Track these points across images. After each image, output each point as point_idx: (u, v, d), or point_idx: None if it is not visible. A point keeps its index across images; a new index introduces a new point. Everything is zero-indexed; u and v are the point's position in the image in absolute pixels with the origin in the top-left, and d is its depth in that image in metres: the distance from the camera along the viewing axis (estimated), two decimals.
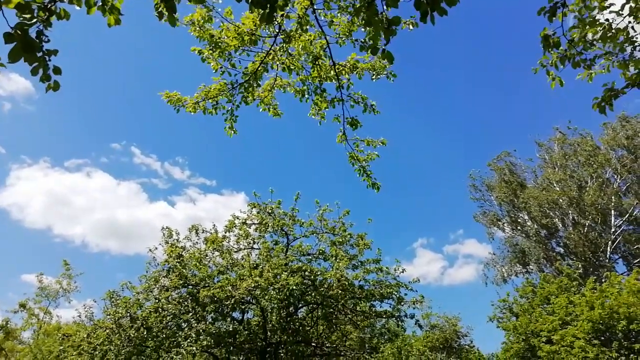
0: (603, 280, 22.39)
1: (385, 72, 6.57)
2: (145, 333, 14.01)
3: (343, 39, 6.21)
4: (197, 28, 5.90)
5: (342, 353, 17.70)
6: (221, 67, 6.21)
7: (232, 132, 6.82)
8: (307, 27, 5.77)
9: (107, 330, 14.33)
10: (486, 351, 28.02)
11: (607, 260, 29.84)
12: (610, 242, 30.05)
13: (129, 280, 15.99)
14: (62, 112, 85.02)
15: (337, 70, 6.26)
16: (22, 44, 3.09)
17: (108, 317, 14.97)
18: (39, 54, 3.34)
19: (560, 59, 6.00)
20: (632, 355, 16.27)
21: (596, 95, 6.05)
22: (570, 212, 31.63)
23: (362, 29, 5.68)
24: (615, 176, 31.83)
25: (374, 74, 6.56)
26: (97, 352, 14.13)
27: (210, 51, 6.03)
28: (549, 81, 6.30)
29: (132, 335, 13.92)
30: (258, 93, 6.57)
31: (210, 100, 6.45)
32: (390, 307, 16.04)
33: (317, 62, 6.17)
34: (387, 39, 4.49)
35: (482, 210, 36.06)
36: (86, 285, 43.09)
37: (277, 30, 5.77)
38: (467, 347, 22.98)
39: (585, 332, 17.26)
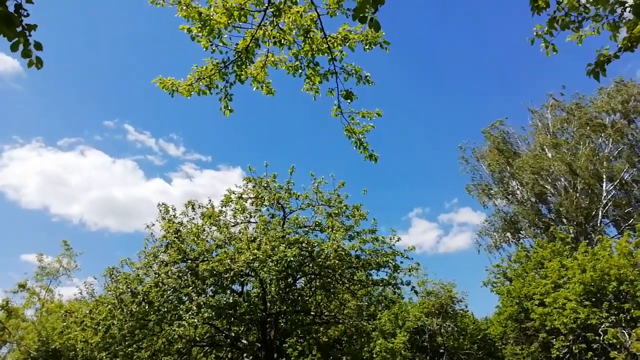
0: (595, 244, 22.81)
1: (378, 42, 6.49)
2: (147, 307, 14.25)
3: (333, 9, 6.12)
4: (184, 7, 5.80)
5: (340, 321, 18.15)
6: (212, 45, 6.12)
7: (228, 111, 6.78)
8: None
9: (109, 306, 14.55)
10: (480, 315, 28.74)
11: (598, 225, 30.31)
12: (601, 207, 30.45)
13: (128, 257, 16.15)
14: (52, 91, 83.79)
15: (329, 43, 6.20)
16: (1, 19, 3.02)
17: (109, 293, 15.18)
18: (19, 29, 3.24)
19: (548, 21, 5.98)
20: (621, 314, 16.75)
21: (589, 61, 6.04)
22: (562, 178, 31.91)
23: None
24: (607, 141, 31.99)
25: (366, 45, 6.48)
26: (100, 327, 14.40)
27: (200, 29, 5.94)
28: (543, 49, 6.29)
29: (134, 310, 14.16)
30: (251, 70, 6.50)
31: (203, 81, 6.38)
32: (386, 275, 16.38)
33: (308, 35, 6.09)
34: (375, 7, 4.45)
35: (473, 181, 36.26)
36: (86, 264, 43.44)
37: (266, 4, 5.68)
38: (462, 311, 23.49)
39: (576, 294, 17.70)
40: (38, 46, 3.45)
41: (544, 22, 6.11)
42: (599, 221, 30.55)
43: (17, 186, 75.91)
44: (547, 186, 32.50)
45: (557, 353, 17.78)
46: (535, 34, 6.19)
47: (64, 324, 16.85)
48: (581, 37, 6.25)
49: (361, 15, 4.52)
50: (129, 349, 14.84)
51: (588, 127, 31.79)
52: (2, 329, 25.16)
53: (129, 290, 14.56)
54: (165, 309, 14.38)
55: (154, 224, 16.37)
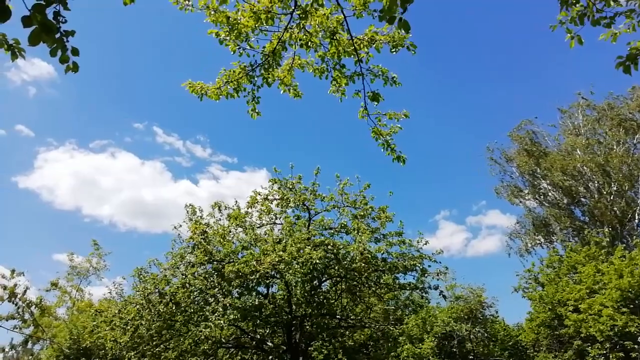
0: (632, 248, 21.94)
1: (405, 44, 6.36)
2: (174, 308, 14.40)
3: (360, 11, 6.02)
4: (212, 12, 5.80)
5: (366, 325, 17.94)
6: (239, 48, 6.12)
7: (256, 114, 6.77)
8: (323, 0, 5.61)
9: (137, 306, 14.76)
10: (511, 321, 28.03)
11: (635, 229, 29.19)
12: (637, 209, 29.32)
13: (156, 257, 16.37)
14: (84, 95, 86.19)
15: (355, 45, 6.10)
16: (41, 26, 3.09)
17: (137, 293, 15.39)
18: (57, 36, 3.35)
19: (579, 16, 5.69)
20: None
21: (620, 55, 5.72)
22: (595, 179, 30.85)
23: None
24: None
25: (393, 47, 6.36)
26: (128, 327, 14.62)
27: (227, 33, 5.93)
28: (568, 39, 6.00)
29: (162, 310, 14.32)
30: (277, 73, 6.48)
31: (231, 84, 6.38)
32: (413, 279, 16.12)
33: (334, 37, 6.01)
34: (404, 7, 4.35)
35: (502, 183, 35.43)
36: (115, 264, 44.49)
37: (293, 7, 5.63)
38: (492, 317, 22.97)
39: (613, 301, 17.06)
40: (75, 52, 3.59)
41: (571, 10, 5.80)
42: (635, 225, 29.41)
43: (51, 187, 78.43)
44: (580, 188, 31.49)
45: None
46: (558, 21, 5.89)
47: (94, 323, 17.19)
48: (615, 35, 5.92)
49: (390, 15, 4.40)
50: (157, 349, 15.03)
51: (621, 128, 30.66)
52: (36, 326, 25.94)
53: (157, 290, 14.75)
54: (192, 310, 14.50)
55: (181, 225, 16.57)
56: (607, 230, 27.47)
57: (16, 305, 23.15)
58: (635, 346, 16.23)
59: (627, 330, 16.35)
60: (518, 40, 78.17)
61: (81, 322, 24.90)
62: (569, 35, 5.95)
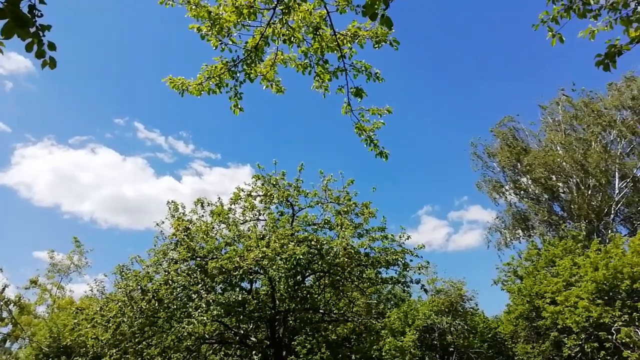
0: (607, 242, 22.54)
1: (387, 40, 6.42)
2: (156, 305, 14.31)
3: (343, 6, 6.06)
4: (193, 7, 5.79)
5: (349, 319, 18.11)
6: (221, 44, 6.11)
7: (238, 110, 6.76)
8: None
9: (120, 303, 14.63)
10: (491, 314, 28.56)
11: (610, 223, 29.94)
12: (613, 204, 30.07)
13: (138, 254, 16.23)
14: (63, 90, 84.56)
15: (338, 40, 6.14)
16: (14, 20, 3.04)
17: (119, 290, 15.25)
18: (32, 30, 3.26)
19: (565, 10, 5.83)
20: (634, 313, 16.53)
21: (599, 53, 5.89)
22: (573, 174, 31.52)
23: None
24: (619, 138, 31.53)
25: (376, 43, 6.41)
26: (110, 324, 14.49)
27: (209, 28, 5.92)
28: (549, 37, 6.15)
29: (144, 307, 14.22)
30: (260, 69, 6.48)
31: (213, 80, 6.37)
32: (396, 273, 16.32)
33: (317, 33, 6.04)
34: (386, 4, 4.40)
35: (484, 178, 35.93)
36: (97, 261, 44.04)
37: (276, 2, 5.65)
38: (472, 310, 23.36)
39: (589, 293, 17.50)
40: (52, 46, 3.46)
41: (552, 9, 5.95)
42: (611, 219, 30.17)
43: (29, 184, 76.82)
44: (559, 183, 32.14)
45: (569, 352, 17.62)
46: (540, 20, 6.03)
47: (75, 320, 16.94)
48: (593, 32, 6.08)
49: (372, 12, 4.46)
50: (139, 346, 14.94)
51: (598, 125, 31.35)
52: (14, 324, 25.47)
53: (139, 287, 14.62)
54: (175, 307, 14.43)
55: (163, 222, 16.44)
56: (583, 224, 28.13)
57: None
58: (609, 336, 16.70)
59: (601, 321, 16.80)
60: (509, 38, 79.14)
61: (62, 320, 24.53)
62: (550, 33, 6.10)
